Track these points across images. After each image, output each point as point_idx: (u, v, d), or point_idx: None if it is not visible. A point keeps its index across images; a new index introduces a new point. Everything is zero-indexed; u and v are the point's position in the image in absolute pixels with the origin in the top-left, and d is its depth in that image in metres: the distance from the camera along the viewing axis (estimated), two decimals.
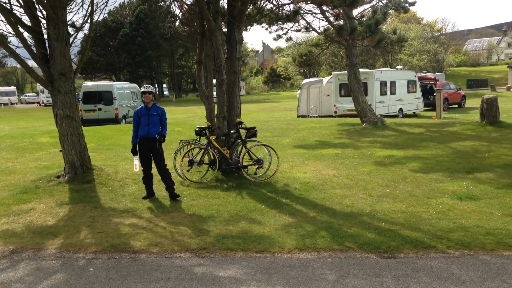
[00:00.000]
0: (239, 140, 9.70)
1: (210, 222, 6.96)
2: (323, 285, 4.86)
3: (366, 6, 19.30)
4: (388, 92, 25.08)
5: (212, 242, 6.17)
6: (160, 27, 68.60)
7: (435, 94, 24.96)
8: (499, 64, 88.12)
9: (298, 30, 19.64)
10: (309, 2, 10.67)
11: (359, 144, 13.54)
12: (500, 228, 6.15)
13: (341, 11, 12.41)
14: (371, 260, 5.46)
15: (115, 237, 6.46)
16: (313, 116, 25.43)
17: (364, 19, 14.27)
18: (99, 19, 13.41)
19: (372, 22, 12.34)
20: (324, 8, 12.57)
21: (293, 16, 12.02)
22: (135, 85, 31.19)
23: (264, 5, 11.38)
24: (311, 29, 18.60)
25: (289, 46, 69.67)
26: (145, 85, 8.43)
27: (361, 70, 21.07)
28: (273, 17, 17.00)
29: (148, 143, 8.24)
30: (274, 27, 19.32)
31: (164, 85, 78.20)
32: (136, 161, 8.50)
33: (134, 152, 8.40)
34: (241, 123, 9.84)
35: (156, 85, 69.91)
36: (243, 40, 10.70)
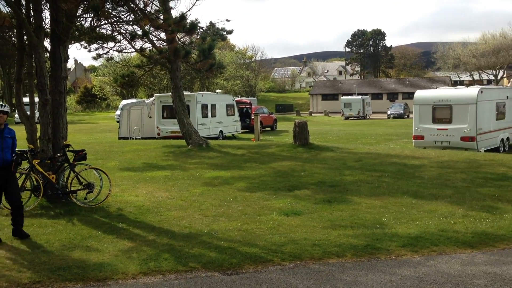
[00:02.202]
0: (67, 164, 9.12)
1: (40, 254, 6.40)
2: None
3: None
4: (209, 115, 26.06)
5: (46, 275, 5.69)
6: None
7: (252, 117, 26.74)
8: (302, 91, 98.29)
9: (120, 51, 19.28)
10: (146, 24, 10.62)
11: (187, 166, 13.79)
12: (323, 239, 6.91)
13: (174, 36, 12.64)
14: (216, 278, 5.65)
15: None
16: (136, 138, 25.02)
17: (192, 44, 14.72)
18: None
19: (206, 47, 12.86)
20: (154, 32, 12.64)
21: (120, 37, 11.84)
22: None
23: (93, 23, 10.95)
24: (134, 49, 18.44)
25: (105, 66, 67.39)
26: None
27: (183, 92, 21.52)
28: (93, 36, 16.45)
29: (4, 171, 7.20)
30: (94, 46, 18.66)
31: None
32: None
33: None
34: (68, 145, 9.26)
35: None
36: (68, 58, 10.15)
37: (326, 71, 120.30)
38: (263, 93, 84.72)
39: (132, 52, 20.01)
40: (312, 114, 64.76)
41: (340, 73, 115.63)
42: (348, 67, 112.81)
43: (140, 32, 11.49)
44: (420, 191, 9.94)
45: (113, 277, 5.64)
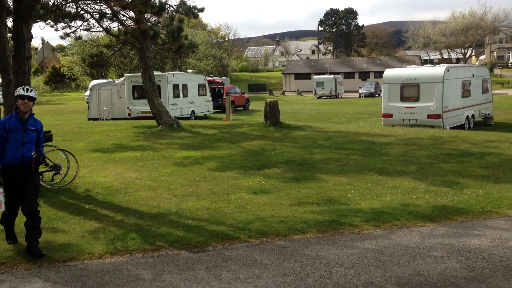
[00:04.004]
0: None
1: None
2: (140, 285, 4.95)
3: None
4: (181, 95, 25.88)
5: (11, 256, 5.68)
6: None
7: (224, 97, 26.67)
8: (275, 71, 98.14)
9: (88, 29, 18.90)
10: (114, 5, 10.42)
11: (157, 146, 13.75)
12: (290, 216, 7.05)
13: (142, 16, 12.44)
14: (183, 256, 5.73)
15: None
16: (106, 119, 24.71)
17: (160, 25, 14.51)
18: None
19: (175, 29, 12.70)
20: (122, 11, 12.42)
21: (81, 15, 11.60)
22: None
23: (58, 1, 10.69)
24: (102, 29, 18.10)
25: (73, 45, 65.87)
26: (24, 87, 6.09)
27: (154, 72, 21.30)
28: (59, 14, 16.06)
29: (22, 171, 5.94)
30: (61, 25, 18.23)
31: None
32: (1, 197, 5.79)
33: None
34: None
35: None
36: (32, 37, 9.92)
37: (299, 50, 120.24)
38: (236, 73, 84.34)
39: (101, 31, 19.63)
40: (285, 94, 64.92)
41: (313, 52, 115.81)
42: (321, 46, 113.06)
43: (108, 11, 11.29)
44: (386, 168, 10.17)
45: (79, 258, 5.67)
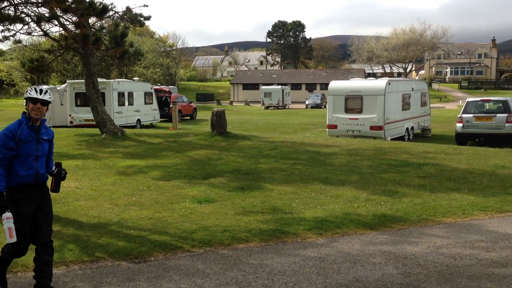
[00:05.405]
0: None
1: None
2: None
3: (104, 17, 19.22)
4: (126, 103, 25.41)
5: None
6: None
7: (171, 106, 26.38)
8: (223, 81, 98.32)
9: (29, 33, 18.24)
10: (54, 7, 10.08)
11: (100, 155, 13.39)
12: (234, 225, 7.04)
13: (83, 20, 12.11)
14: (123, 266, 5.59)
15: None
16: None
17: (104, 30, 14.18)
18: None
19: (118, 34, 12.43)
20: (64, 15, 12.03)
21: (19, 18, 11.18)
22: None
23: None
24: (43, 33, 17.51)
25: (13, 49, 63.30)
26: (36, 87, 4.86)
27: (98, 80, 20.80)
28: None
29: (38, 191, 4.82)
30: None
31: None
32: (10, 224, 4.52)
33: (3, 208, 4.56)
34: None
35: None
36: None
37: (247, 60, 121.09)
38: (184, 82, 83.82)
39: (42, 35, 18.99)
40: (233, 104, 65.08)
41: (261, 63, 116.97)
42: (269, 57, 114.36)
43: (47, 15, 10.91)
44: (329, 178, 10.38)
45: (12, 270, 5.40)
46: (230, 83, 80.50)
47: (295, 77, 76.35)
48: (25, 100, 4.81)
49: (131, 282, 5.13)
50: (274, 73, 77.14)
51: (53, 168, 5.00)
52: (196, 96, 70.69)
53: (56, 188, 4.99)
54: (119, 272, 5.41)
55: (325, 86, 65.49)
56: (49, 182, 4.99)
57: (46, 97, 4.76)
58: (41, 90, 4.77)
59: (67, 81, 27.99)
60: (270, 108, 55.19)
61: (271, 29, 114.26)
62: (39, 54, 23.45)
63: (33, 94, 4.72)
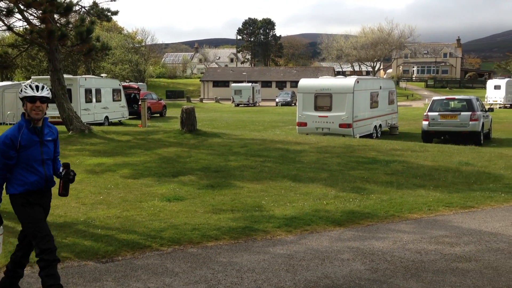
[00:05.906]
0: None
1: None
2: None
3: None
4: (94, 100, 24.98)
5: None
6: None
7: (140, 103, 26.06)
8: (193, 78, 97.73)
9: None
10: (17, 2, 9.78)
11: (66, 153, 13.10)
12: (203, 223, 7.01)
13: (48, 15, 11.79)
14: (89, 266, 5.49)
15: None
16: (10, 124, 23.18)
17: (71, 26, 13.86)
18: None
19: (84, 30, 12.17)
20: (28, 10, 11.70)
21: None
22: None
23: None
24: (6, 27, 17.02)
25: None
26: (32, 83, 4.44)
27: (64, 76, 20.36)
28: None
29: (44, 198, 4.62)
30: None
31: None
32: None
33: None
34: None
35: None
36: None
37: (217, 58, 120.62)
38: (153, 79, 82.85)
39: (5, 30, 18.43)
40: (203, 101, 64.80)
41: (232, 60, 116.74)
42: (239, 55, 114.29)
43: (10, 8, 10.60)
44: (299, 175, 10.44)
45: None
46: (200, 80, 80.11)
47: (265, 74, 76.55)
48: (21, 101, 4.40)
49: (98, 282, 5.05)
50: (244, 71, 77.14)
51: (61, 169, 4.72)
52: (166, 93, 70.05)
53: (64, 191, 4.71)
54: (86, 272, 5.31)
55: (295, 84, 65.70)
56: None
57: (44, 93, 4.38)
58: (37, 86, 4.37)
59: (32, 77, 27.33)
60: (240, 105, 55.17)
61: (241, 26, 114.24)
62: (3, 49, 22.78)
63: (30, 92, 4.33)
